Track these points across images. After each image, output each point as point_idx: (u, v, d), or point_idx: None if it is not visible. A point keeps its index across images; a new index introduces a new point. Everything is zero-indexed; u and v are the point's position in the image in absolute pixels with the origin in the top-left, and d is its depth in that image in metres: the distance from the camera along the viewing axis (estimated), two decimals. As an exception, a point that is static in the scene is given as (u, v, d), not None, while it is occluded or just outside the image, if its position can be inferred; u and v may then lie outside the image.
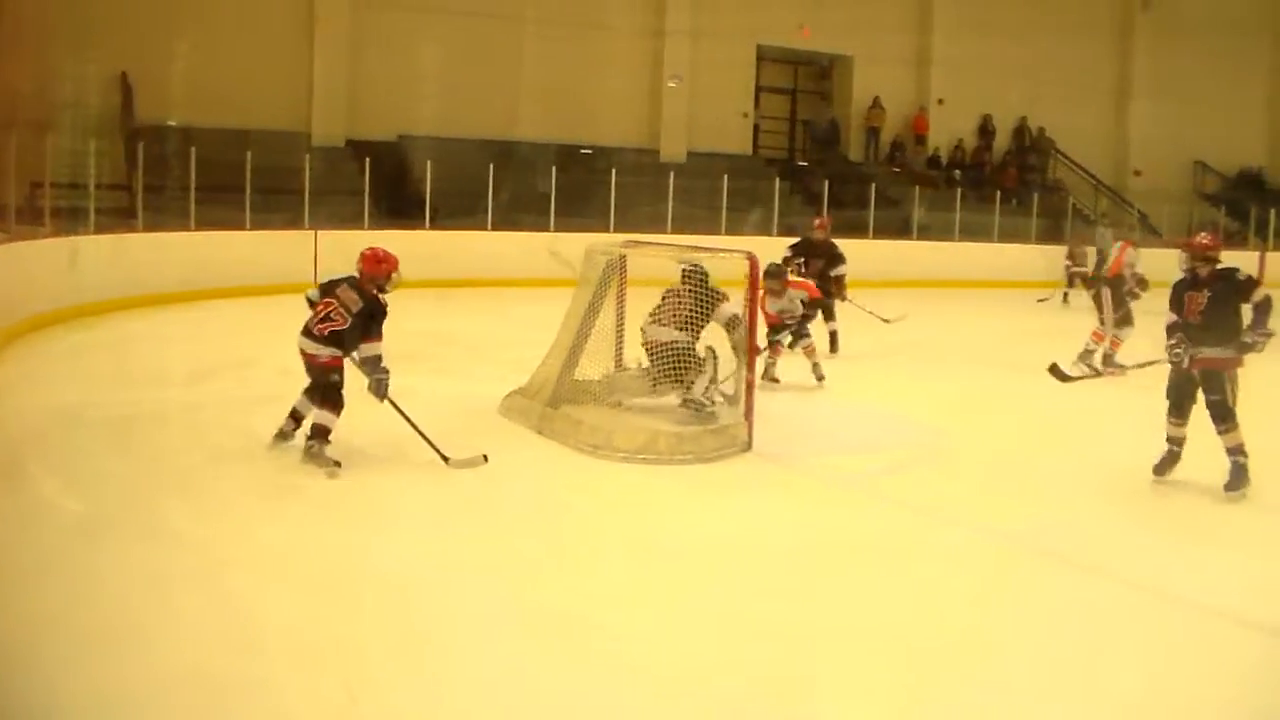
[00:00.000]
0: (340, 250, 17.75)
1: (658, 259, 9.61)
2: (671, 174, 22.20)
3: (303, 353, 7.80)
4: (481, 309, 16.73)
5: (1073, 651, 5.18)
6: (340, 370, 7.77)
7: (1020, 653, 5.16)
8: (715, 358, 9.16)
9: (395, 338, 13.51)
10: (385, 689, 4.58)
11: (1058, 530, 6.94)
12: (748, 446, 8.50)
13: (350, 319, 7.73)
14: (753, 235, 20.90)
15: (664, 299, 9.36)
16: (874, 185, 24.63)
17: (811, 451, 8.53)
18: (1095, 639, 5.35)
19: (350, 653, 4.88)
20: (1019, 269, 24.88)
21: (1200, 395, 7.67)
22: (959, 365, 10.19)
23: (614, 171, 21.19)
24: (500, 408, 9.51)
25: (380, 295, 7.97)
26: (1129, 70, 31.81)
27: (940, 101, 29.01)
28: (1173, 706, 4.77)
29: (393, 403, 7.84)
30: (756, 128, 27.73)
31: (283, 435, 7.98)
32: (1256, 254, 29.53)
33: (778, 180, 23.77)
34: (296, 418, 7.97)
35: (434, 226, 19.66)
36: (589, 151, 23.11)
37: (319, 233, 17.94)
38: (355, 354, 7.78)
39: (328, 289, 7.95)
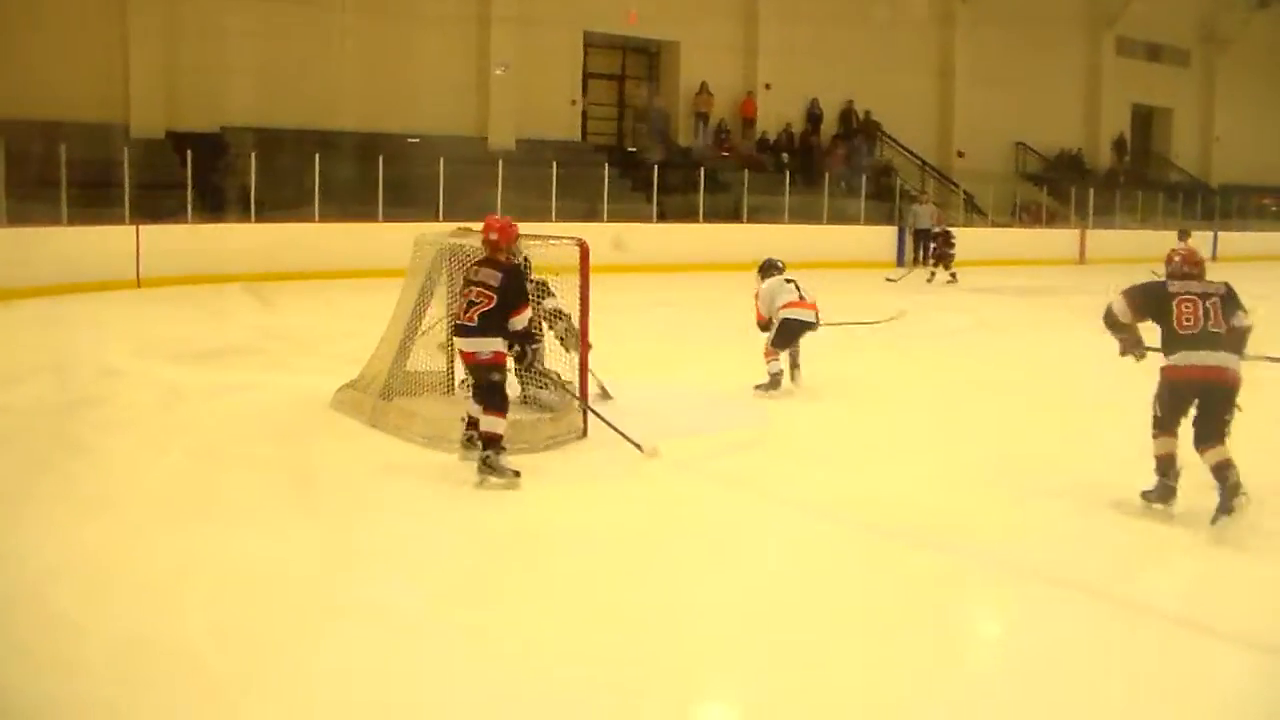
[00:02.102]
0: (163, 246, 17.52)
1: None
2: (500, 162, 22.11)
3: (460, 353, 7.66)
4: (311, 302, 16.50)
5: (914, 629, 5.34)
6: (502, 368, 7.50)
7: (859, 632, 5.29)
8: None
9: (224, 333, 13.41)
10: (222, 697, 4.50)
11: (902, 511, 7.07)
12: (583, 434, 8.53)
13: (495, 296, 7.36)
14: (584, 222, 20.97)
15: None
16: (703, 170, 24.94)
17: (648, 436, 8.55)
18: (933, 614, 5.53)
19: (186, 663, 4.76)
20: (849, 250, 25.41)
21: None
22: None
23: (441, 160, 21.01)
24: (332, 401, 9.37)
25: (515, 259, 7.76)
26: (951, 55, 32.81)
27: (767, 86, 29.39)
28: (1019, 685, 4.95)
29: (568, 389, 7.92)
30: (585, 114, 27.76)
31: (471, 443, 7.63)
32: (1077, 232, 30.67)
33: (607, 166, 23.93)
34: (473, 423, 7.61)
35: (260, 219, 19.30)
36: (415, 140, 22.85)
37: (141, 228, 17.52)
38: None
39: (464, 282, 7.63)
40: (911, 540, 6.52)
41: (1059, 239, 30.56)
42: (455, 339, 7.66)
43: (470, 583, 5.79)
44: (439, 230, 10.40)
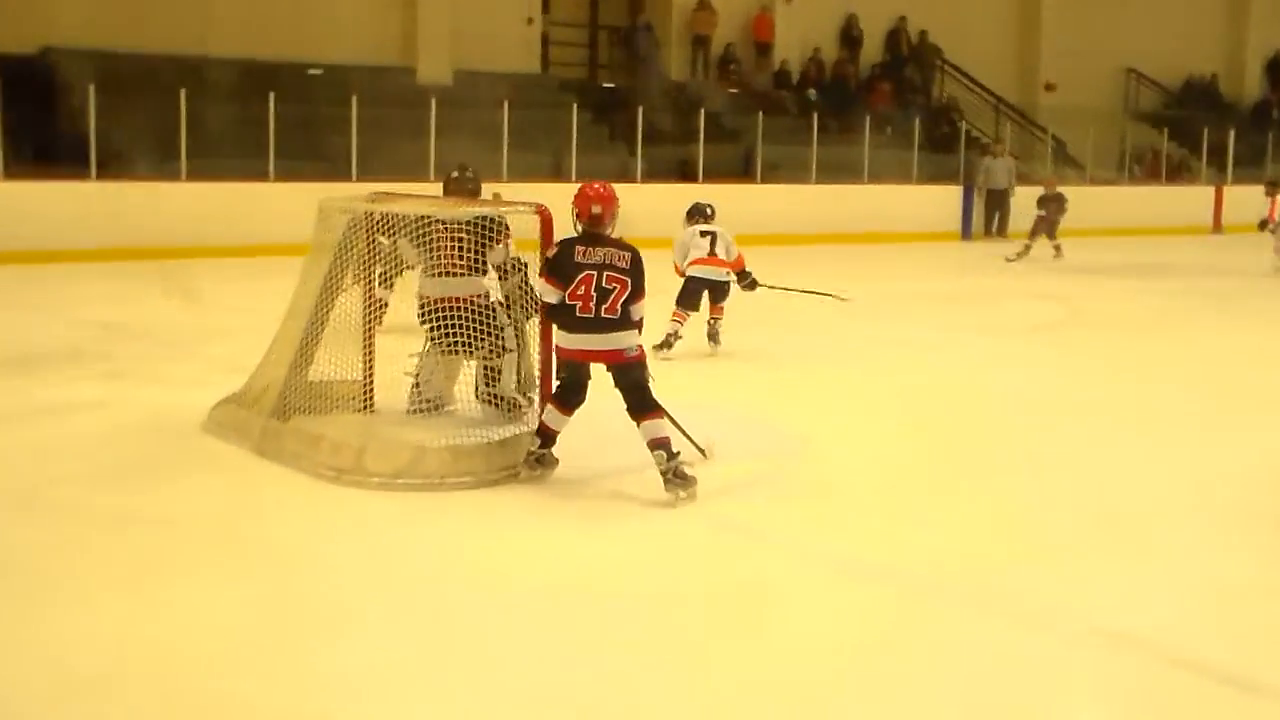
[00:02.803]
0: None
1: (417, 213, 9.47)
2: (433, 101, 22.12)
3: (582, 354, 7.96)
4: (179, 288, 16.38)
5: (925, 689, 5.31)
6: (646, 364, 8.08)
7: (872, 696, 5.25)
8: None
9: (51, 330, 13.27)
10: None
11: (956, 569, 7.01)
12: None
13: (629, 280, 7.87)
14: (546, 181, 20.92)
15: (435, 237, 9.19)
16: (703, 112, 24.93)
17: (627, 467, 8.45)
18: (953, 673, 5.48)
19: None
20: (898, 217, 25.33)
21: None
22: (829, 347, 10.35)
23: (354, 100, 21.02)
24: (206, 423, 9.29)
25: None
26: (1039, -46, 32.65)
27: (788, 0, 29.35)
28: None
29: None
30: (546, 38, 27.83)
31: (540, 461, 8.13)
32: (1210, 190, 30.24)
33: (575, 108, 23.88)
34: (546, 436, 8.11)
35: (104, 176, 19.23)
36: (319, 72, 22.86)
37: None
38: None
39: (565, 266, 7.89)
40: (964, 605, 6.49)
41: (1185, 199, 30.46)
42: (579, 336, 7.91)
43: (383, 658, 5.58)
44: (351, 193, 10.32)
